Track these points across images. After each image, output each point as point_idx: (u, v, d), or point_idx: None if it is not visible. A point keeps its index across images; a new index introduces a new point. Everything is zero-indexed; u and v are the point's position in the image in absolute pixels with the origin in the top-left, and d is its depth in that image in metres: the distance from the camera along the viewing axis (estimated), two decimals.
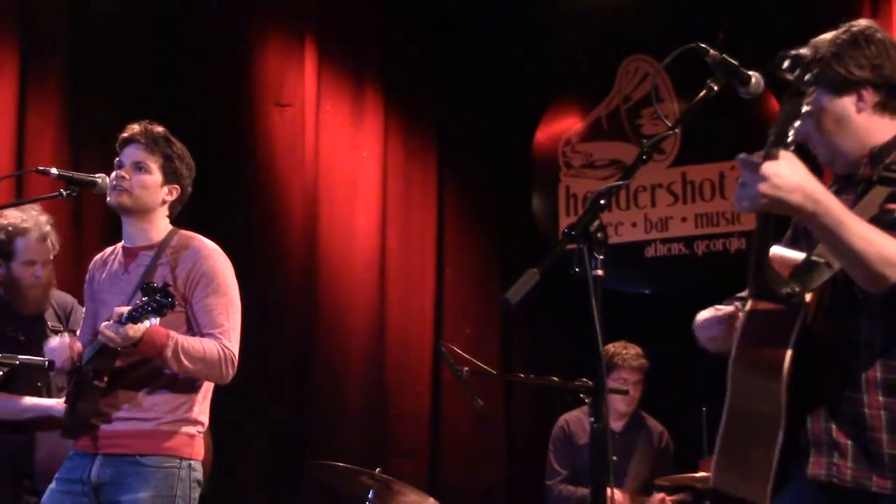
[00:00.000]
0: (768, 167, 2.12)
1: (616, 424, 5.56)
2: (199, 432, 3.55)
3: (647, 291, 6.77)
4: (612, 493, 5.04)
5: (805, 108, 2.17)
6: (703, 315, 2.64)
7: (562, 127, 7.10)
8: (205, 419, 3.60)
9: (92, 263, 3.79)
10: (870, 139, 2.45)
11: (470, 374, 4.64)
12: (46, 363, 3.52)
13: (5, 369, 3.64)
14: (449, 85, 7.12)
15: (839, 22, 2.54)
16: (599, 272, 2.22)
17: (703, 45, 2.42)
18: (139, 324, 3.27)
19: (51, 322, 4.31)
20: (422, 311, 6.87)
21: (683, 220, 6.65)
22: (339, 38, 6.78)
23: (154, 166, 3.60)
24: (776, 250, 2.41)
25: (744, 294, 2.51)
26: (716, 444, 2.42)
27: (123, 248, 3.68)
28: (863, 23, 2.51)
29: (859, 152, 2.46)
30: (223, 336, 3.49)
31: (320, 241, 6.57)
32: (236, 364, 3.51)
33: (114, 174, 3.60)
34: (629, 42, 6.90)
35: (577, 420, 5.63)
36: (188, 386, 3.53)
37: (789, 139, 2.15)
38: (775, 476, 2.29)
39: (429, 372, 6.80)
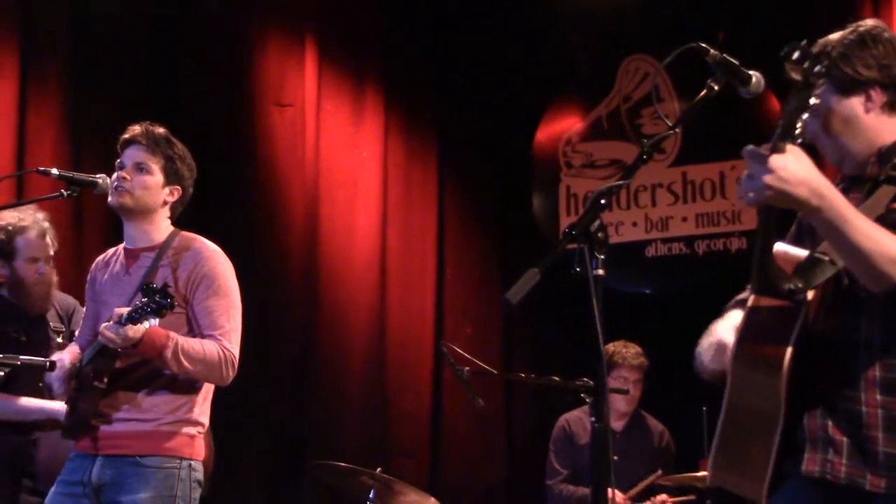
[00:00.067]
0: (775, 160, 2.11)
1: (617, 424, 5.56)
2: (199, 433, 3.55)
3: (647, 291, 6.77)
4: (613, 493, 5.06)
5: (813, 101, 2.15)
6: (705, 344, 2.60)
7: (562, 127, 7.10)
8: (205, 420, 3.60)
9: (94, 264, 3.79)
10: (878, 139, 2.44)
11: (470, 373, 4.65)
12: (47, 364, 3.53)
13: (7, 370, 3.64)
14: (449, 85, 7.12)
15: (839, 22, 2.53)
16: (600, 272, 2.22)
17: (703, 45, 2.42)
18: (139, 325, 3.28)
19: (53, 323, 4.32)
20: (422, 311, 6.88)
21: (684, 219, 6.65)
22: (340, 38, 6.79)
23: (155, 167, 3.60)
24: (780, 246, 2.41)
25: (744, 296, 2.50)
26: (713, 440, 2.41)
27: (125, 249, 3.68)
28: (870, 23, 2.50)
29: (868, 152, 2.45)
30: (223, 337, 3.49)
31: (321, 241, 6.57)
32: (237, 365, 3.51)
33: (115, 175, 3.60)
34: (629, 42, 6.90)
35: (577, 420, 5.63)
36: (188, 387, 3.52)
37: (797, 131, 2.14)
38: (773, 474, 2.29)
39: (429, 372, 6.81)
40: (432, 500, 4.86)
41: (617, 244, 6.55)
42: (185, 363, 3.40)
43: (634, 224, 6.76)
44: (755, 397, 2.32)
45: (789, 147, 2.13)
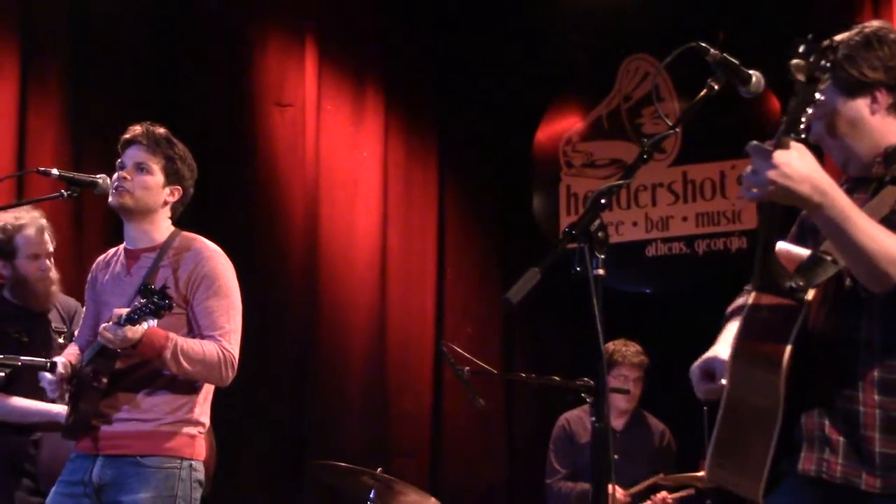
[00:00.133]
0: (779, 155, 2.11)
1: (617, 423, 5.56)
2: (200, 433, 3.55)
3: (647, 291, 6.77)
4: (614, 489, 5.06)
5: (818, 97, 2.15)
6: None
7: (562, 126, 7.10)
8: (206, 420, 3.60)
9: (94, 265, 3.79)
10: (883, 140, 2.43)
11: (471, 373, 4.65)
12: (48, 364, 3.53)
13: (7, 370, 3.64)
14: (449, 85, 7.12)
15: (839, 22, 2.53)
16: (600, 271, 2.22)
17: (703, 45, 2.42)
18: (138, 326, 3.28)
19: (55, 324, 4.32)
20: (422, 311, 6.88)
21: (684, 219, 6.65)
22: (340, 38, 6.79)
23: (156, 167, 3.59)
24: (782, 245, 2.41)
25: (741, 302, 2.50)
26: (711, 438, 2.40)
27: (125, 249, 3.68)
28: (875, 24, 2.49)
29: (873, 154, 2.44)
30: (223, 338, 3.48)
31: (321, 241, 6.57)
32: (236, 366, 3.51)
33: (116, 175, 3.60)
34: (629, 42, 6.90)
35: (577, 419, 5.63)
36: (189, 387, 3.52)
37: (801, 126, 2.14)
38: (770, 472, 2.28)
39: (430, 371, 6.81)
40: (433, 500, 4.86)
41: (617, 244, 6.54)
42: (185, 364, 3.40)
43: (635, 224, 6.76)
44: (754, 394, 2.31)
45: (793, 144, 2.13)
